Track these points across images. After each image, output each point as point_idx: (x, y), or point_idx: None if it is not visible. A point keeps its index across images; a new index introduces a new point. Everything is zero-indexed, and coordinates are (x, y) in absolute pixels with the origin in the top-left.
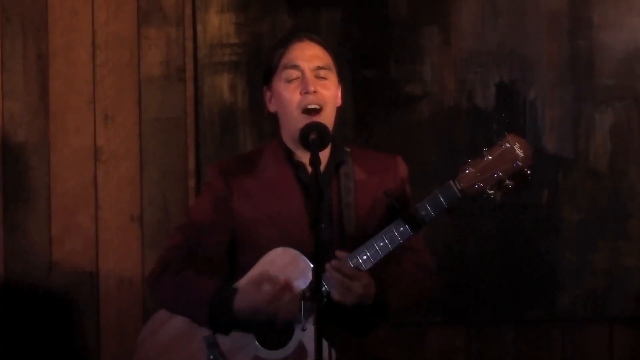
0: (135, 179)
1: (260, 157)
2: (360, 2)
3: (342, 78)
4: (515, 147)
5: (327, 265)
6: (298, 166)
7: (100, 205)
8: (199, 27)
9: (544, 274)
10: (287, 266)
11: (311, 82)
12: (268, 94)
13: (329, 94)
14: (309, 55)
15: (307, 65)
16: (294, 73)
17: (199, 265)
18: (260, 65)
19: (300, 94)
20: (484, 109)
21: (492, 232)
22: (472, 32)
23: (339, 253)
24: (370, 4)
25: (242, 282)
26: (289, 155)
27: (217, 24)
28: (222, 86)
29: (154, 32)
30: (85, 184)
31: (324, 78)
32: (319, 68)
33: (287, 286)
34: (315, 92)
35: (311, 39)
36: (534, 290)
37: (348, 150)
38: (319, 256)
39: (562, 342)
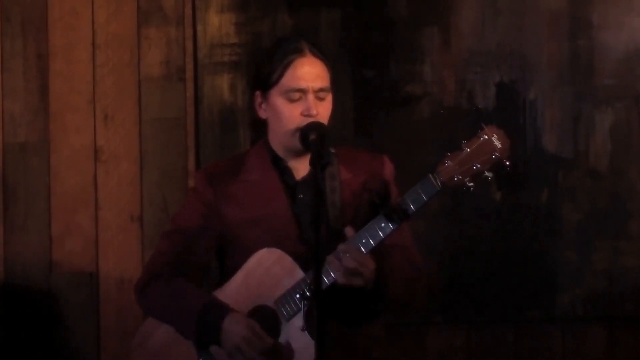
0: (135, 179)
1: (246, 160)
2: (360, 2)
3: (340, 78)
4: (493, 138)
5: (339, 247)
6: (283, 170)
7: (100, 205)
8: (199, 27)
9: (544, 274)
10: (272, 266)
11: (313, 105)
12: (259, 100)
13: (326, 113)
14: (313, 76)
15: (310, 87)
16: (297, 94)
17: (188, 271)
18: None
19: (301, 114)
20: (484, 109)
21: (492, 232)
22: (472, 32)
23: (348, 230)
24: (370, 4)
25: (229, 286)
26: (275, 158)
27: (217, 24)
28: (222, 86)
29: (154, 32)
30: (85, 184)
31: (323, 99)
32: (321, 90)
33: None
34: (316, 114)
35: (314, 54)
36: (533, 290)
37: (333, 151)
38: (319, 256)
39: (562, 342)
